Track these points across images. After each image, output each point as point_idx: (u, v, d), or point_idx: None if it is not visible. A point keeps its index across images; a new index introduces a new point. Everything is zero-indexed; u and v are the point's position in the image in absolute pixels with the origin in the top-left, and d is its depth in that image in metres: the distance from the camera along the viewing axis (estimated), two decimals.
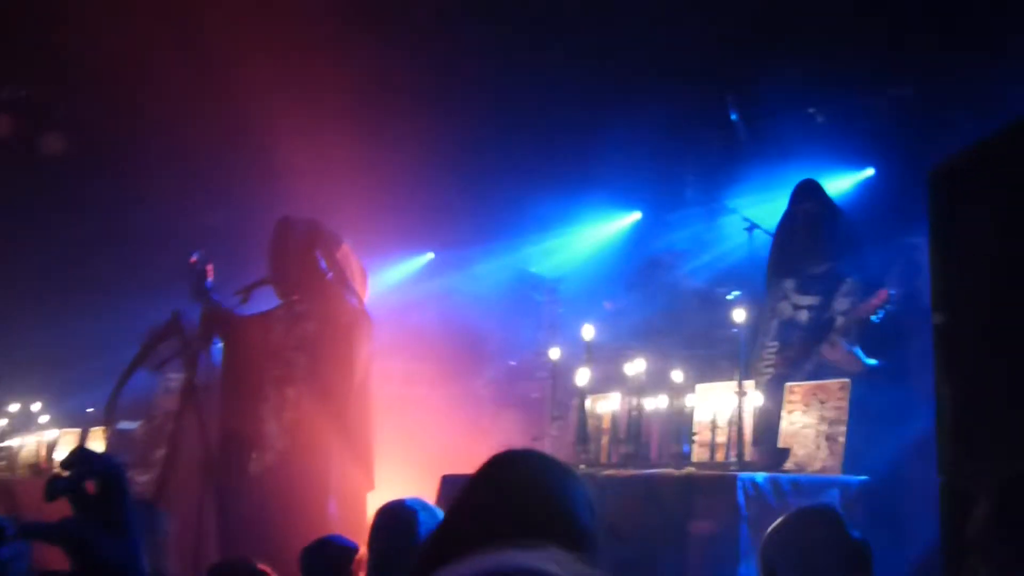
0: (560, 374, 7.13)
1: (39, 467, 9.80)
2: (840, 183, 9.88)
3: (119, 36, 9.67)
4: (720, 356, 9.41)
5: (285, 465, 8.16)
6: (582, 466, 6.33)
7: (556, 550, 2.00)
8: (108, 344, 10.99)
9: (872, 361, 6.99)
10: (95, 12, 9.61)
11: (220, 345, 8.52)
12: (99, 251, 12.39)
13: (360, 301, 8.58)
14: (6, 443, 10.28)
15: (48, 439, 10.13)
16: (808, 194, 7.70)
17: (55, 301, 12.28)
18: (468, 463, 8.91)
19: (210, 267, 8.40)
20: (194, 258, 8.47)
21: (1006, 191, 3.97)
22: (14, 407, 10.45)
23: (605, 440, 6.59)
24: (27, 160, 12.11)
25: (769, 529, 4.06)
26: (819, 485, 5.57)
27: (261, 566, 5.44)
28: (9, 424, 10.41)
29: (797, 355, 7.34)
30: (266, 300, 8.69)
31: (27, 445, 10.13)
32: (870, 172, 10.09)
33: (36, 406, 10.22)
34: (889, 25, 9.01)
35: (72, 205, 12.18)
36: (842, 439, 5.78)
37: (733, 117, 10.70)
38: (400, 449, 9.60)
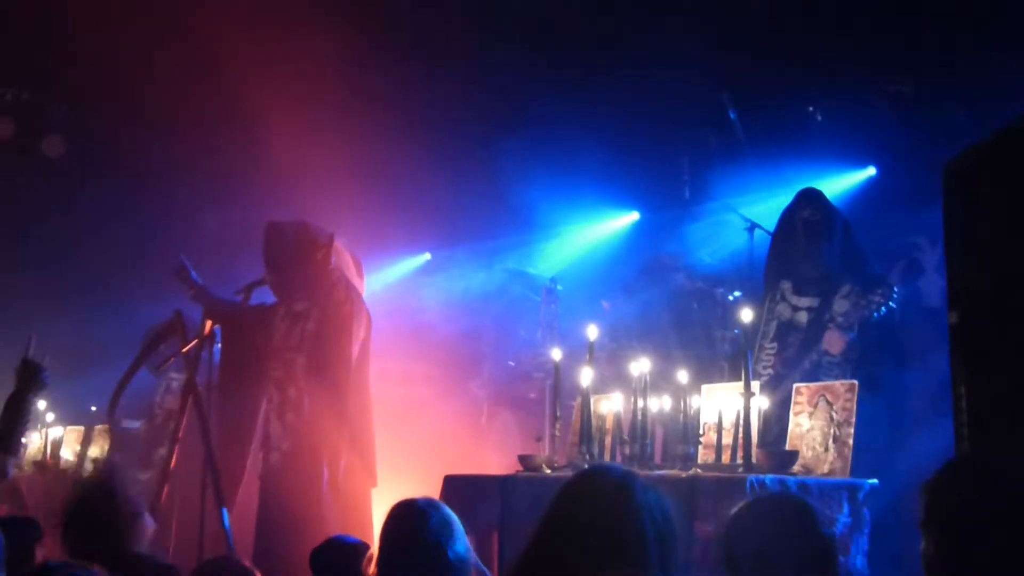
0: (560, 374, 7.08)
1: (44, 464, 9.83)
2: (841, 182, 9.86)
3: (118, 39, 9.67)
4: (720, 357, 9.39)
5: (289, 466, 8.16)
6: (585, 467, 6.30)
7: None
8: (111, 343, 10.98)
9: None
10: (95, 15, 9.59)
11: (219, 346, 8.51)
12: (103, 251, 12.39)
13: (359, 297, 8.57)
14: None
15: (53, 437, 10.15)
16: (807, 202, 7.64)
17: (58, 301, 12.27)
18: (467, 463, 8.91)
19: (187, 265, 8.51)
20: (177, 267, 8.56)
21: (1020, 186, 3.95)
22: None
23: (608, 441, 6.56)
24: (28, 162, 12.12)
25: (732, 513, 3.97)
26: (827, 488, 5.52)
27: (247, 563, 5.43)
28: None
29: (795, 355, 7.31)
30: (268, 297, 8.73)
31: (33, 443, 10.15)
32: (872, 171, 10.07)
33: (41, 404, 10.23)
34: (887, 21, 9.00)
35: (73, 207, 12.20)
36: (850, 441, 5.74)
37: (731, 116, 10.66)
38: (398, 449, 9.58)
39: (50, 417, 10.12)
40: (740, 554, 3.71)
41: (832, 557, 3.83)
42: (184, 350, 8.00)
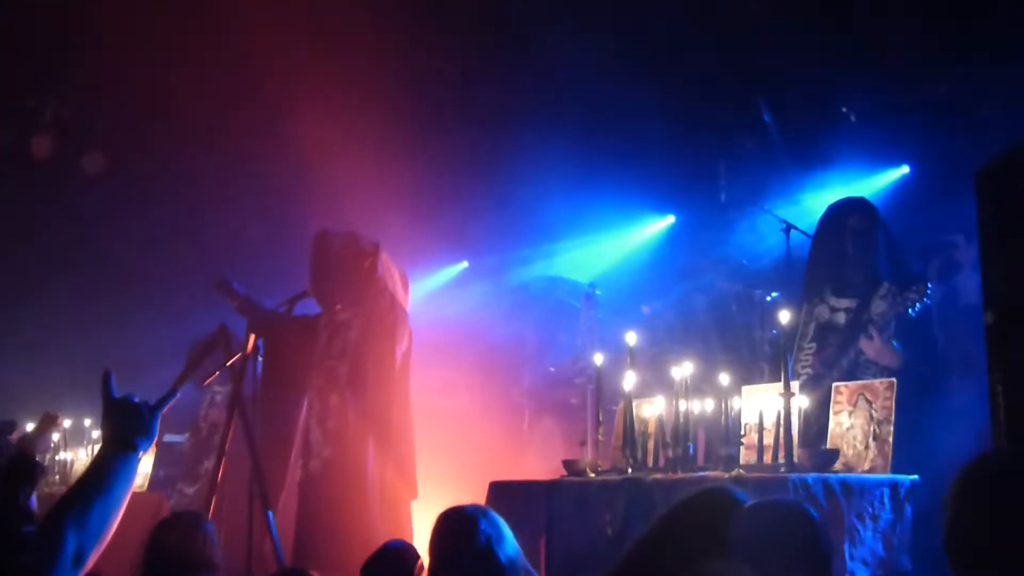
0: (602, 379, 7.13)
1: None
2: (875, 182, 9.89)
3: (160, 54, 9.79)
4: (760, 358, 9.43)
5: (329, 473, 8.23)
6: (629, 470, 6.35)
7: None
8: (158, 355, 11.07)
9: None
10: (129, 31, 9.72)
11: (262, 358, 8.58)
12: (143, 267, 12.46)
13: (401, 309, 8.65)
14: (59, 457, 10.41)
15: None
16: (854, 210, 7.65)
17: (102, 318, 12.36)
18: (510, 470, 8.92)
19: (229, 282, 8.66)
20: (218, 280, 8.69)
21: None
22: (67, 423, 10.57)
23: (651, 444, 6.60)
24: (71, 177, 12.20)
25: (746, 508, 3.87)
26: (869, 485, 5.58)
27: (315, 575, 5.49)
28: (61, 439, 10.54)
29: (834, 355, 7.34)
30: (310, 310, 8.80)
31: (79, 460, 10.24)
32: (905, 169, 10.10)
33: (87, 421, 10.35)
34: (919, 22, 9.03)
35: (117, 222, 12.24)
36: (890, 439, 5.80)
37: (766, 118, 10.69)
38: (441, 457, 9.64)
39: (96, 434, 10.21)
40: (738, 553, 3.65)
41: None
42: (228, 363, 8.08)
